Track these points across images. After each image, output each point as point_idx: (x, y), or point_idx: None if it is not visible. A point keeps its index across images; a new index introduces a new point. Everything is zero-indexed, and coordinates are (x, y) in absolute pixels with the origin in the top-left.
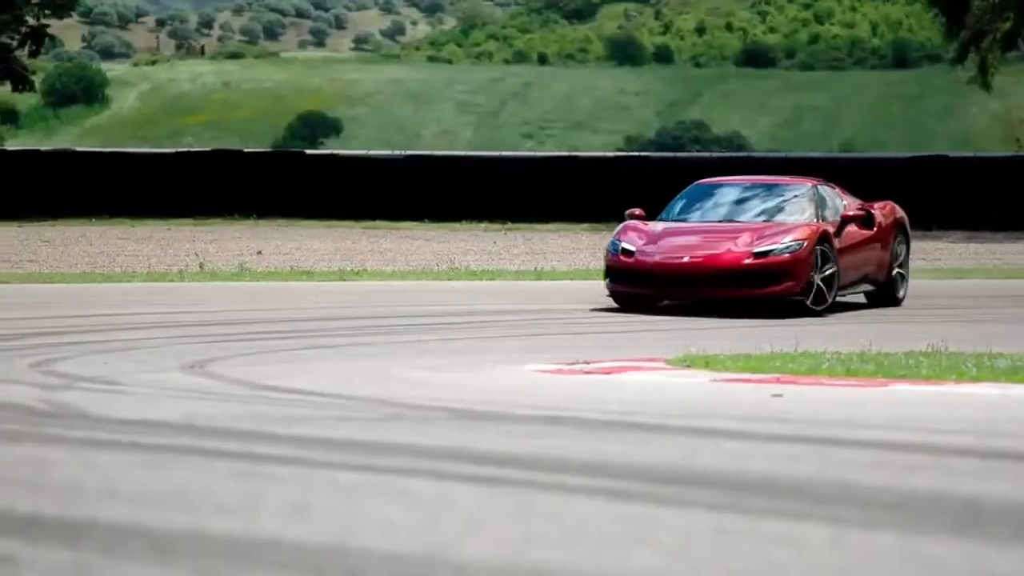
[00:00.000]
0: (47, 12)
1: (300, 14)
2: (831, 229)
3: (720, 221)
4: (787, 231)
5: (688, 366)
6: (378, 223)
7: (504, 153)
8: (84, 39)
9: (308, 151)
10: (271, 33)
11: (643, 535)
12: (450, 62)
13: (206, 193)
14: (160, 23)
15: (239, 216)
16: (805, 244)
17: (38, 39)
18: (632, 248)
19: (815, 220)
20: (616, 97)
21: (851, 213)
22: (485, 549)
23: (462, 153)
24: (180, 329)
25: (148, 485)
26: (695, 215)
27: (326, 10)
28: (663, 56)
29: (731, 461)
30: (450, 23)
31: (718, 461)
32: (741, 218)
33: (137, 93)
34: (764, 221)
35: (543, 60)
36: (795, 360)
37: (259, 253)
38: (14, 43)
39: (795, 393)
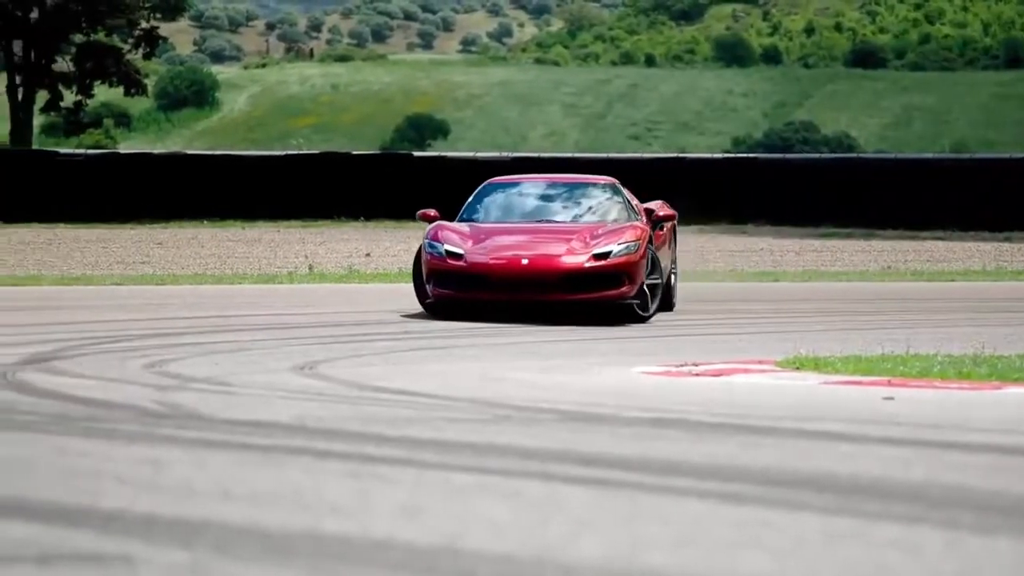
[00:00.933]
0: (159, 16)
1: (408, 17)
2: (649, 231)
3: (539, 221)
4: (618, 232)
5: (798, 368)
6: None
7: (610, 155)
8: (195, 43)
9: (415, 153)
10: (379, 36)
11: (754, 538)
12: (557, 64)
13: (315, 195)
14: (270, 26)
15: (347, 218)
16: (640, 246)
17: (150, 43)
18: (459, 250)
19: (632, 220)
20: (723, 98)
21: (662, 213)
22: (595, 551)
23: (569, 155)
24: (290, 331)
25: (261, 485)
26: (505, 215)
27: (434, 13)
28: (771, 57)
29: (842, 464)
30: (557, 25)
31: (829, 464)
32: (557, 218)
33: (247, 96)
34: (589, 222)
35: (650, 61)
36: (906, 362)
37: (367, 255)
38: (127, 47)
39: (907, 396)
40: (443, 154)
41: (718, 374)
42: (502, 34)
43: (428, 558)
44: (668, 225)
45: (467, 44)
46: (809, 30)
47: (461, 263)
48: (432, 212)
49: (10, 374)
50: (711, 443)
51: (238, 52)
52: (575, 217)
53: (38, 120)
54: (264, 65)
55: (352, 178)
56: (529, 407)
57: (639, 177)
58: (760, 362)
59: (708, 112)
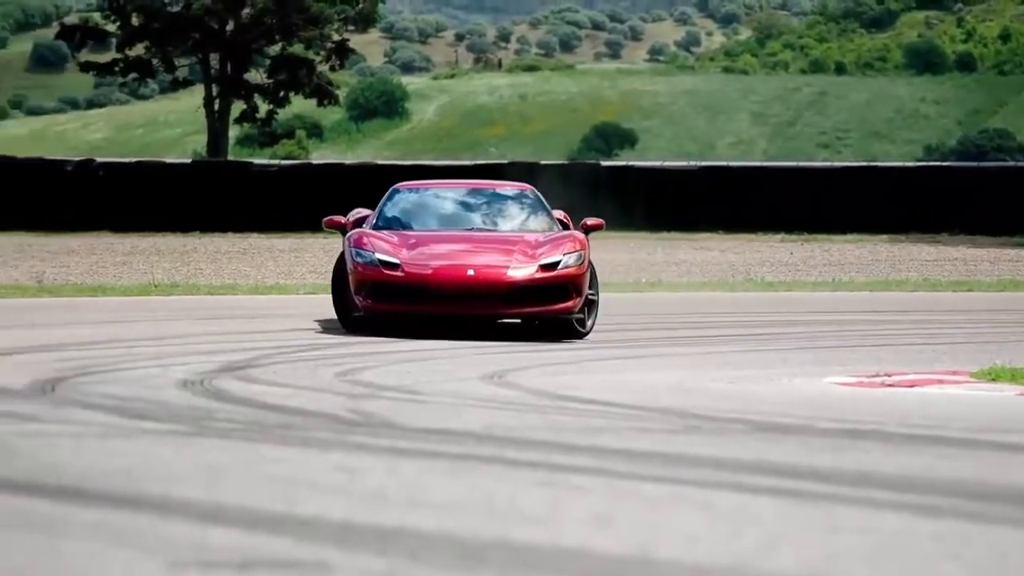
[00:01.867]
0: (351, 28)
1: (596, 26)
2: (587, 240)
3: (471, 229)
4: (558, 241)
5: (994, 379)
6: (673, 234)
7: (800, 163)
8: (386, 54)
9: (603, 162)
10: (567, 46)
11: (953, 552)
12: (745, 72)
13: None
14: (459, 37)
15: None
16: (584, 257)
17: (342, 55)
18: (393, 259)
19: (555, 229)
20: (915, 106)
21: (591, 223)
22: (789, 562)
23: (757, 163)
24: (479, 340)
25: (453, 493)
26: (429, 223)
27: (621, 22)
28: (965, 64)
29: None
30: (745, 33)
31: None
32: (488, 225)
33: (436, 106)
34: (522, 231)
35: (840, 69)
36: None
37: None
38: (319, 59)
39: None
40: (631, 163)
41: (911, 385)
42: (690, 43)
43: (620, 567)
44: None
45: (655, 53)
46: (1004, 36)
47: (397, 273)
48: (341, 219)
49: (207, 381)
50: (906, 455)
51: (427, 63)
52: (506, 226)
53: (233, 131)
54: (453, 75)
55: (539, 188)
56: (719, 417)
57: (830, 185)
58: (954, 373)
59: (899, 120)
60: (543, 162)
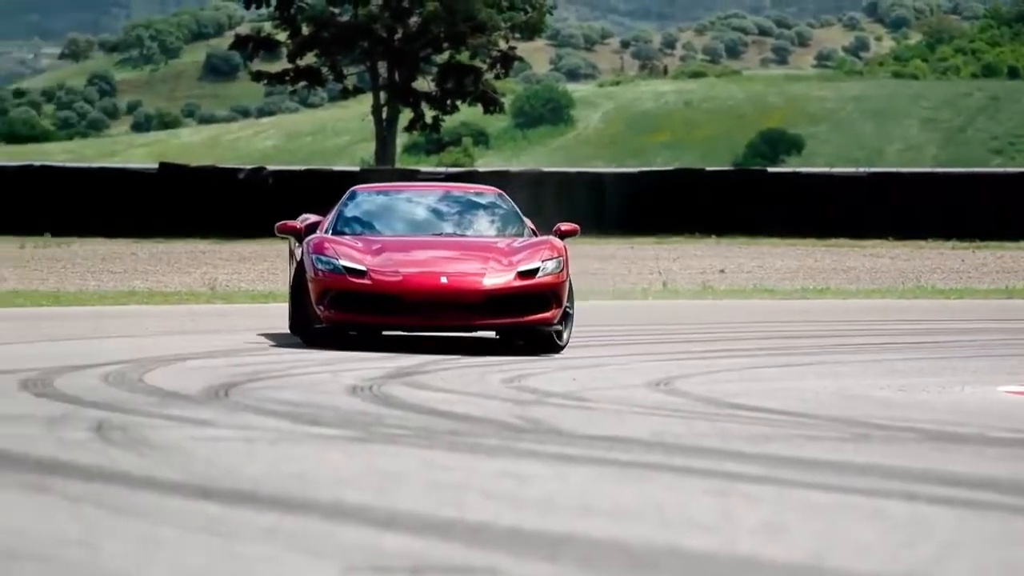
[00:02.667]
0: (518, 36)
1: (763, 32)
2: (565, 247)
3: (440, 235)
4: (535, 247)
5: None
6: (841, 241)
7: (972, 169)
8: (551, 61)
9: (769, 169)
10: (733, 52)
11: None
12: (915, 77)
13: (669, 211)
14: (624, 44)
15: (701, 234)
16: (563, 264)
17: (507, 63)
18: (360, 267)
19: (527, 235)
20: None
21: (566, 228)
22: (965, 574)
23: (928, 170)
24: (644, 347)
25: (622, 500)
26: (394, 227)
27: (789, 27)
28: None
29: None
30: (915, 38)
31: None
32: (458, 230)
33: (601, 113)
34: (494, 236)
35: (1013, 73)
36: None
37: (722, 271)
38: (485, 67)
39: None
40: (797, 170)
41: None
42: (858, 48)
43: None
44: None
45: (822, 59)
46: None
47: (364, 281)
48: (296, 223)
49: (376, 387)
50: None
51: (593, 70)
52: (477, 231)
53: (400, 139)
54: (618, 82)
55: (706, 194)
56: (889, 425)
57: (1002, 191)
58: None
59: None
60: (708, 168)
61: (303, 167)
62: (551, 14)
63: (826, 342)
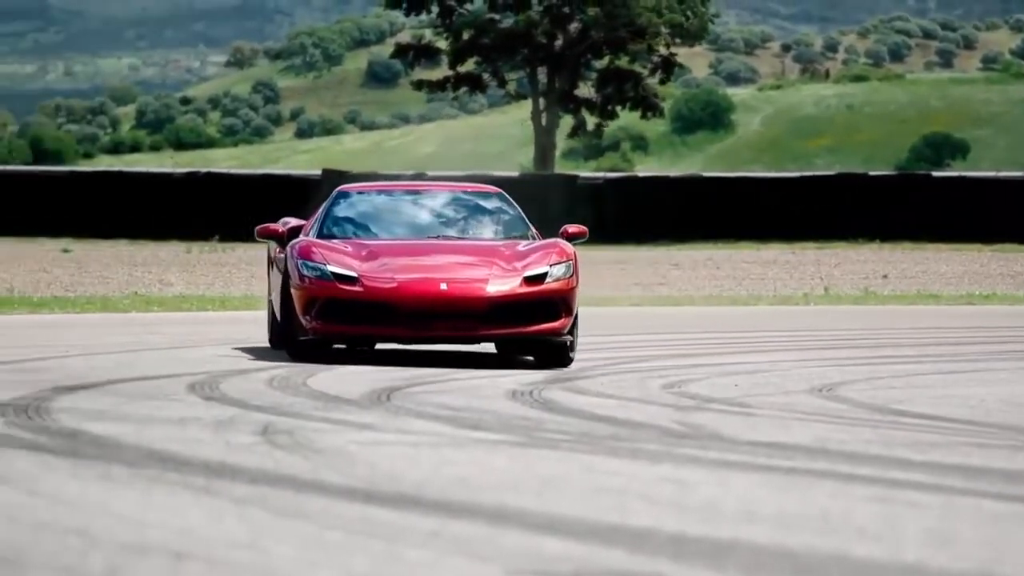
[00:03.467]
0: (678, 41)
1: (927, 35)
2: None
3: (437, 237)
4: (542, 251)
5: None
6: (1007, 245)
7: None
8: (711, 65)
9: (934, 173)
10: (896, 55)
11: None
12: None
13: (830, 216)
14: (785, 48)
15: (863, 239)
16: (573, 268)
17: (668, 69)
18: (351, 273)
19: (532, 237)
20: None
21: (573, 230)
22: None
23: None
24: (806, 352)
25: (786, 507)
26: (387, 230)
27: (954, 30)
28: None
29: None
30: None
31: None
32: (457, 233)
33: (761, 117)
34: (496, 239)
35: None
36: None
37: (884, 277)
38: (646, 72)
39: None
40: (963, 174)
41: None
42: None
43: None
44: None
45: (988, 62)
46: None
47: (356, 288)
48: (279, 227)
49: (536, 392)
50: None
51: (753, 74)
52: (477, 233)
53: (560, 145)
54: (779, 86)
55: (868, 199)
56: None
57: None
58: None
59: None
60: (871, 173)
61: (462, 173)
62: (713, 22)
63: (993, 348)
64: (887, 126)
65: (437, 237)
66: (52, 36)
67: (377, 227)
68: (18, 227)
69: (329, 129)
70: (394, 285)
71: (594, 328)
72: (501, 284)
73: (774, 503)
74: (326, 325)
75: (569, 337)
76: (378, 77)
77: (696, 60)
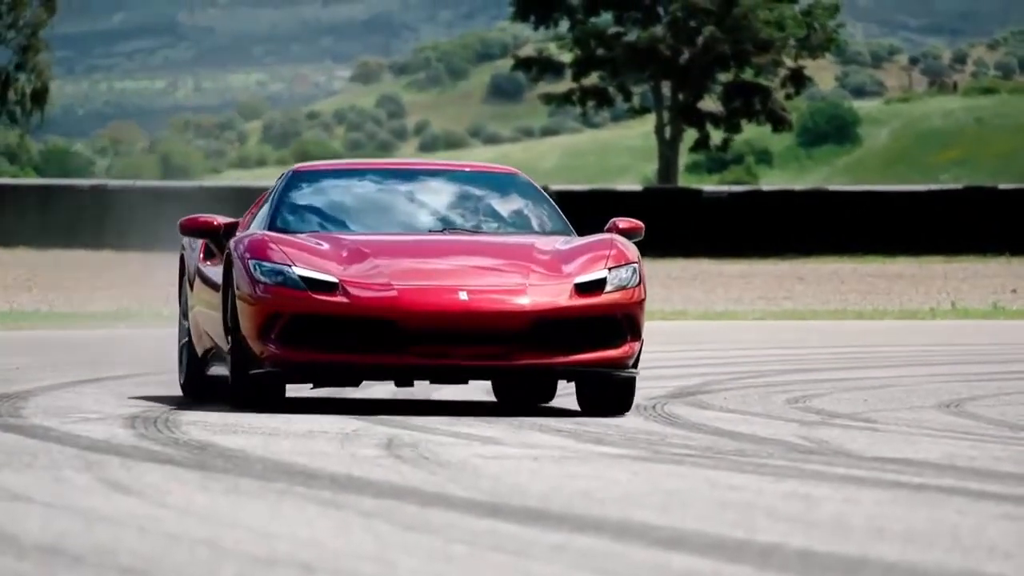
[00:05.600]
0: (805, 54)
1: None
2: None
3: (446, 231)
4: (595, 250)
5: None
6: None
7: None
8: (837, 78)
9: None
10: None
11: None
12: None
13: (958, 230)
14: (913, 60)
15: (992, 253)
16: (639, 273)
17: (797, 82)
18: (328, 277)
19: (568, 231)
20: None
21: (625, 225)
22: None
23: None
24: (933, 367)
25: (915, 524)
26: (361, 221)
27: None
28: None
29: None
30: None
31: None
32: (465, 224)
33: (888, 130)
34: (526, 232)
35: None
36: None
37: (1013, 291)
38: (773, 85)
39: None
40: None
41: None
42: None
43: None
44: None
45: None
46: None
47: (337, 299)
48: (214, 219)
49: (659, 406)
50: None
51: (879, 87)
52: (499, 226)
53: (683, 158)
54: (907, 99)
55: (997, 212)
56: None
57: None
58: None
59: None
60: (1001, 186)
61: (586, 187)
62: (837, 35)
63: None
64: (1017, 139)
65: (444, 231)
66: (182, 52)
67: (356, 218)
68: None
69: (453, 143)
70: (393, 294)
71: (718, 342)
72: (544, 294)
73: (903, 519)
74: (291, 351)
75: (635, 371)
76: (501, 91)
77: (821, 73)
